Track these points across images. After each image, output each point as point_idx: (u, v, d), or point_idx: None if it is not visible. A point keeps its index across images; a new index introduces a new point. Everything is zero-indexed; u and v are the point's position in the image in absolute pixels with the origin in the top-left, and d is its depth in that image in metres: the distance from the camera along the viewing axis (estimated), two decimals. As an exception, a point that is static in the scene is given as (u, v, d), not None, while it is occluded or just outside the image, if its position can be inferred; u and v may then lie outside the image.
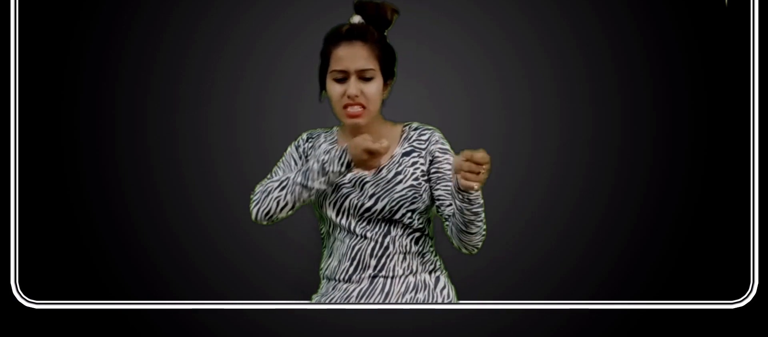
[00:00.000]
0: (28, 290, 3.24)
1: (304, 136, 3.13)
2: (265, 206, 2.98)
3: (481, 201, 2.85)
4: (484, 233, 2.94)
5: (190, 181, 3.84)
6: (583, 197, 3.81)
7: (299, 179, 2.95)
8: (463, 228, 2.90)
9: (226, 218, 3.84)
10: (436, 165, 3.01)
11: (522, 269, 3.75)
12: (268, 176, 3.08)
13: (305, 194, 2.96)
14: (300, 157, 3.09)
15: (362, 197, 3.00)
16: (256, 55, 3.86)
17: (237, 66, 3.86)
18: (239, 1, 3.83)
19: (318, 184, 2.94)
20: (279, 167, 3.10)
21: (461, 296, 3.10)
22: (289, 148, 3.12)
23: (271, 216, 2.98)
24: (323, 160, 2.93)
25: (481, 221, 2.90)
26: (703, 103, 3.70)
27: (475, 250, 2.98)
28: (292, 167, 3.08)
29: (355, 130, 3.02)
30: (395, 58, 3.05)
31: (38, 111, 3.61)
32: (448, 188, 2.97)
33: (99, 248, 3.72)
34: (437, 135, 3.05)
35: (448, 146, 3.04)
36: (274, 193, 2.99)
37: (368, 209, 3.00)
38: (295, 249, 3.80)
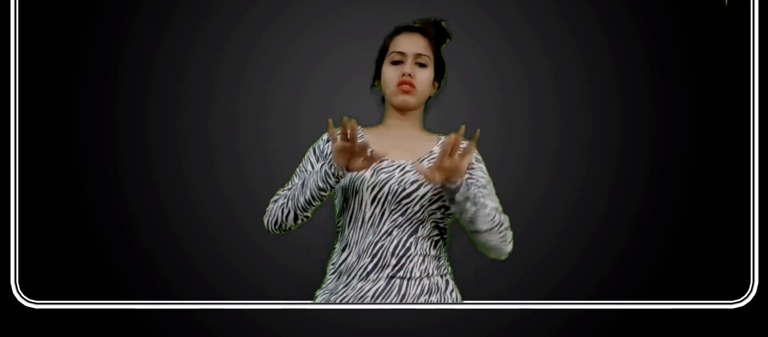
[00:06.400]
0: (28, 290, 3.24)
1: (325, 136, 3.12)
2: (273, 215, 3.03)
3: (473, 195, 2.89)
4: (502, 231, 2.97)
5: (190, 181, 3.84)
6: (583, 197, 3.81)
7: (302, 183, 2.97)
8: (469, 226, 2.95)
9: (226, 218, 3.83)
10: (469, 171, 3.04)
11: (522, 269, 3.75)
12: (286, 184, 3.09)
13: (308, 192, 2.97)
14: (318, 160, 3.09)
15: (403, 183, 3.01)
16: (256, 55, 3.86)
17: (237, 66, 3.86)
18: (239, 1, 3.83)
19: (310, 186, 2.95)
20: (296, 174, 3.11)
21: (462, 295, 3.10)
22: (307, 152, 3.12)
23: (280, 225, 3.02)
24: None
25: (488, 217, 2.94)
26: (703, 103, 3.69)
27: (503, 254, 3.03)
28: (308, 170, 3.08)
29: (395, 116, 3.07)
30: (445, 68, 3.16)
31: (38, 111, 3.61)
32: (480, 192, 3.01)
33: (99, 248, 3.72)
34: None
35: (481, 159, 3.07)
36: (279, 200, 3.02)
37: (408, 195, 3.01)
38: (295, 249, 3.80)
